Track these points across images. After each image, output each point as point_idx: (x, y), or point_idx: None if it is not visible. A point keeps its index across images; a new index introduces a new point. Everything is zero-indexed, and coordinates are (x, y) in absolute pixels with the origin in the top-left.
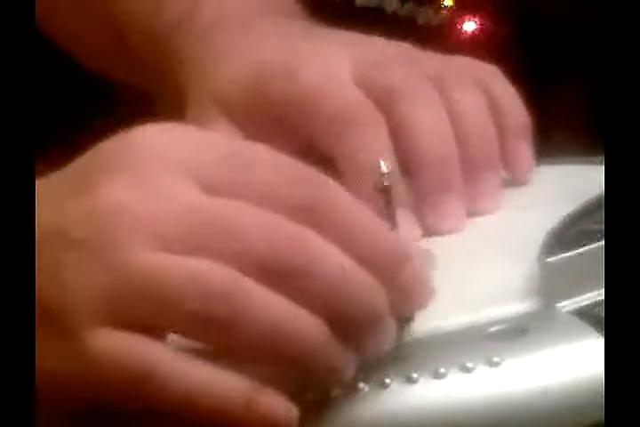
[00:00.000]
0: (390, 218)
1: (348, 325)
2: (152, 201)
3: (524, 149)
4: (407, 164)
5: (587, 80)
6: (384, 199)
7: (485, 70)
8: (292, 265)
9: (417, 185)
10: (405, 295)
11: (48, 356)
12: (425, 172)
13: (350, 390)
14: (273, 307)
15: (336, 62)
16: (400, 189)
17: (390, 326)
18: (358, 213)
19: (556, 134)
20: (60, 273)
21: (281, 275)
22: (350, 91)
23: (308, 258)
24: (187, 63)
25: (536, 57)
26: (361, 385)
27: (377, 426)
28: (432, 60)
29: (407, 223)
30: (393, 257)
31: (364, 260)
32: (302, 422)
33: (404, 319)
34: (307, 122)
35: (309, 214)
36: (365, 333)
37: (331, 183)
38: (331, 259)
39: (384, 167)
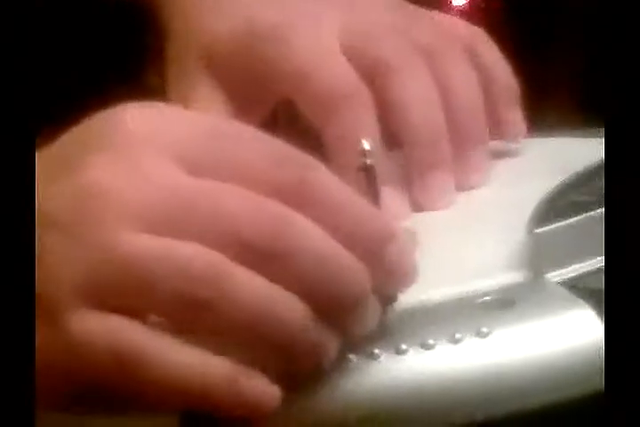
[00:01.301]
0: (374, 197)
1: (332, 305)
2: (134, 182)
3: (515, 113)
4: (396, 139)
5: (577, 55)
6: (367, 178)
7: (473, 34)
8: (276, 246)
9: (406, 160)
10: (389, 275)
11: (40, 337)
12: (413, 148)
13: (340, 361)
14: (256, 289)
15: (326, 30)
16: (384, 168)
17: (374, 306)
18: (342, 193)
19: (545, 108)
20: (42, 255)
21: (264, 256)
22: (339, 66)
23: (292, 239)
24: (173, 13)
25: (527, 31)
26: (350, 357)
27: (367, 397)
28: (422, 26)
29: (394, 201)
30: (376, 237)
31: (347, 240)
32: (290, 394)
33: (388, 299)
34: (294, 93)
35: (293, 195)
36: (349, 313)
37: (314, 163)
38: (314, 240)
39: (366, 146)
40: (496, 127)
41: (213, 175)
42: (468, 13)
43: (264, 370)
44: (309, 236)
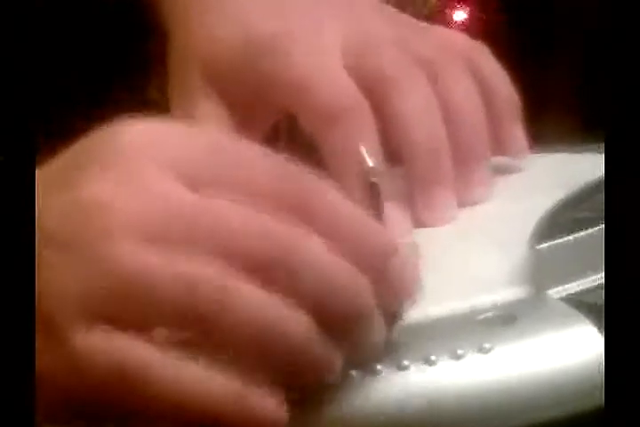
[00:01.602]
0: (377, 213)
1: (336, 320)
2: (135, 198)
3: (517, 129)
4: (398, 154)
5: (578, 68)
6: (371, 195)
7: (474, 48)
8: (279, 261)
9: (407, 176)
10: (393, 291)
11: (43, 355)
12: (415, 164)
13: (342, 377)
14: (260, 304)
15: (327, 42)
16: (386, 183)
17: (378, 321)
18: (345, 209)
19: (547, 123)
20: (44, 272)
21: (268, 272)
22: (339, 80)
23: (295, 254)
24: (174, 27)
25: (527, 45)
26: (352, 372)
27: (368, 413)
28: (423, 39)
29: (396, 216)
30: (379, 252)
31: (350, 255)
32: (293, 410)
33: (392, 315)
34: (293, 107)
35: (295, 211)
36: (353, 328)
37: (317, 179)
38: (317, 255)
39: (370, 163)
40: (498, 143)
41: (215, 191)
42: (468, 28)
43: (269, 386)
44: (312, 251)
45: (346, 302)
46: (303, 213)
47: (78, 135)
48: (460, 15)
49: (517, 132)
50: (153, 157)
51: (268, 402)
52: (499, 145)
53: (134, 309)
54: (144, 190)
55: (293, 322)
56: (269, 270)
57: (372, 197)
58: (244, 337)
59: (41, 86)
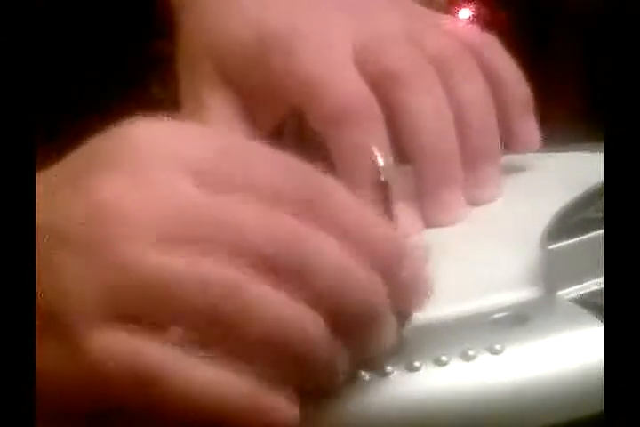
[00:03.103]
0: (388, 213)
1: (348, 322)
2: (148, 198)
3: (529, 123)
4: (407, 152)
5: (585, 67)
6: (381, 194)
7: (486, 42)
8: (292, 260)
9: (417, 176)
10: (404, 292)
11: (49, 358)
12: (424, 164)
13: (352, 378)
14: (274, 305)
15: (338, 40)
16: (396, 183)
17: (390, 322)
18: (356, 209)
19: (556, 122)
20: (58, 273)
21: (282, 271)
22: (350, 79)
23: (308, 253)
24: (184, 21)
25: (532, 42)
26: (362, 373)
27: (379, 414)
28: (435, 35)
29: (408, 217)
30: (391, 253)
31: (362, 256)
32: (303, 411)
33: (403, 316)
34: (303, 105)
35: (307, 211)
36: (365, 330)
37: (329, 180)
38: (330, 254)
39: (380, 162)
40: (511, 138)
41: (226, 191)
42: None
43: (281, 386)
44: (325, 250)
45: (359, 302)
46: (315, 213)
47: (81, 133)
48: (465, 13)
49: (530, 126)
50: (163, 157)
51: (281, 403)
52: (511, 140)
53: (149, 309)
54: (156, 191)
55: (307, 322)
56: (284, 270)
57: (383, 197)
58: (259, 337)
59: (41, 85)
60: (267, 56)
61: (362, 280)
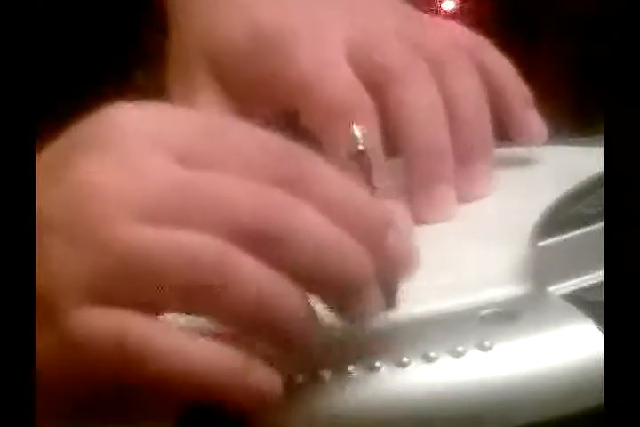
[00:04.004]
0: (368, 182)
1: (336, 293)
2: (130, 177)
3: (534, 116)
4: (399, 149)
5: (576, 59)
6: (360, 164)
7: (478, 42)
8: (277, 231)
9: (408, 171)
10: (390, 262)
11: (40, 341)
12: (416, 159)
13: (340, 373)
14: (259, 277)
15: (331, 37)
16: (378, 154)
17: (376, 294)
18: (338, 181)
19: (548, 116)
20: (44, 256)
21: (265, 242)
22: (343, 76)
23: (293, 224)
24: (178, 15)
25: (520, 35)
26: (351, 369)
27: (366, 410)
28: (428, 34)
29: (397, 213)
30: (376, 224)
31: (347, 228)
32: (291, 405)
33: (389, 288)
34: (296, 103)
35: (291, 185)
36: (353, 301)
37: (310, 154)
38: (315, 225)
39: (357, 132)
40: (520, 131)
41: (208, 167)
42: (457, 18)
43: (264, 361)
44: (310, 221)
45: (345, 273)
46: (297, 186)
47: (69, 121)
48: (448, 5)
49: (537, 119)
50: (146, 136)
51: (266, 376)
52: (520, 132)
53: (135, 286)
54: (137, 169)
55: (292, 294)
56: (267, 242)
57: (361, 167)
58: (244, 310)
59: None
60: (260, 53)
61: (348, 252)
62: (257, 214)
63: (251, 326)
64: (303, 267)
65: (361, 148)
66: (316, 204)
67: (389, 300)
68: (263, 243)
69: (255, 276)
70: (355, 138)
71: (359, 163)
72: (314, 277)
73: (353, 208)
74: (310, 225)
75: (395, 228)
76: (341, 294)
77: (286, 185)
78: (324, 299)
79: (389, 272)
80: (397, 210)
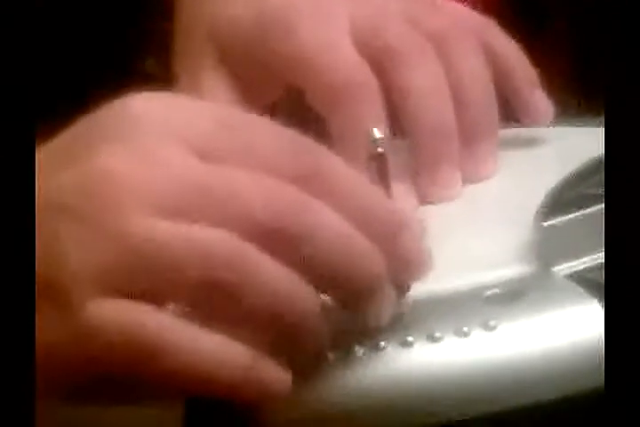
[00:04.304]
0: (385, 184)
1: (348, 293)
2: (148, 169)
3: (540, 96)
4: (405, 129)
5: (580, 42)
6: (378, 166)
7: (484, 24)
8: (291, 229)
9: (414, 152)
10: (403, 263)
11: (49, 329)
12: (421, 140)
13: (345, 353)
14: (274, 275)
15: (335, 17)
16: (392, 158)
17: (389, 294)
18: (354, 181)
19: (553, 97)
20: (59, 245)
21: (282, 241)
22: (347, 55)
23: (307, 222)
24: None
25: (524, 18)
26: (356, 349)
27: (372, 390)
28: (433, 14)
29: (403, 193)
30: (390, 224)
31: (361, 227)
32: (296, 385)
33: (402, 289)
34: (300, 82)
35: (307, 183)
36: (365, 301)
37: (327, 152)
38: (330, 223)
39: (377, 134)
40: (527, 111)
41: (225, 162)
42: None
43: (275, 357)
44: (325, 219)
45: (359, 273)
46: (314, 184)
47: (79, 110)
48: None
49: (543, 99)
50: (163, 129)
51: (276, 372)
52: (527, 112)
53: (149, 279)
54: (155, 161)
55: (305, 291)
56: (282, 238)
57: (380, 169)
58: (256, 307)
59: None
60: (265, 34)
61: (362, 251)
62: (272, 211)
63: (262, 322)
64: (316, 264)
65: (380, 150)
66: (330, 201)
67: (400, 299)
68: (277, 239)
69: (269, 272)
70: (375, 140)
71: (378, 164)
72: (326, 275)
73: (367, 207)
74: (325, 223)
75: (408, 228)
76: (353, 292)
77: (302, 181)
78: (336, 297)
79: (401, 272)
80: (403, 189)
